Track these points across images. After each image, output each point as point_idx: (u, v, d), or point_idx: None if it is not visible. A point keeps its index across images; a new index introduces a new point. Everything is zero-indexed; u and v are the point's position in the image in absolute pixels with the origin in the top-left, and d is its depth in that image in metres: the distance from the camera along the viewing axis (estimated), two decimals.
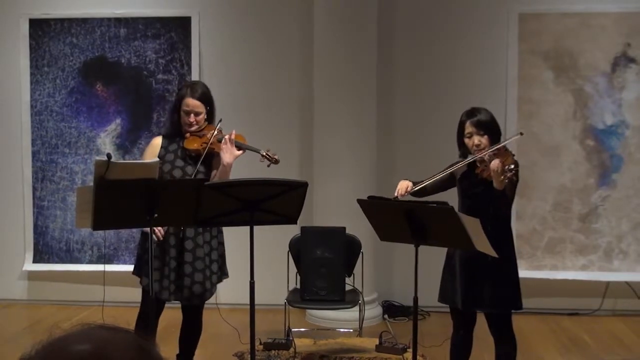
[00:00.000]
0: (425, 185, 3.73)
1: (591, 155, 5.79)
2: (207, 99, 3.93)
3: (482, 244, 3.27)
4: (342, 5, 5.47)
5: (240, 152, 3.85)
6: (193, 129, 3.88)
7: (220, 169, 3.83)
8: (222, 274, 4.03)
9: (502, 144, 3.59)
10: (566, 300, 5.84)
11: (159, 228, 3.78)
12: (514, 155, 3.69)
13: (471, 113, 3.69)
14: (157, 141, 3.97)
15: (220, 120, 3.92)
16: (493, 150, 3.55)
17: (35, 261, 6.13)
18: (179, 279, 3.83)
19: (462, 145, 3.72)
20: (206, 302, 4.01)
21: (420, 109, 5.92)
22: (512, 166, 3.34)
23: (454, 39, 5.87)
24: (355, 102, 5.50)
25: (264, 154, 3.87)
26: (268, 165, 3.90)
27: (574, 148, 5.80)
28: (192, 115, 3.86)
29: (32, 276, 6.18)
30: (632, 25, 5.72)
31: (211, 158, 3.88)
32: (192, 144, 3.88)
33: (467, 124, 3.65)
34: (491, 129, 3.65)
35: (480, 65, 5.87)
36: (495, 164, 3.42)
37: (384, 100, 5.82)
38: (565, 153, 5.80)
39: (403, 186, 3.71)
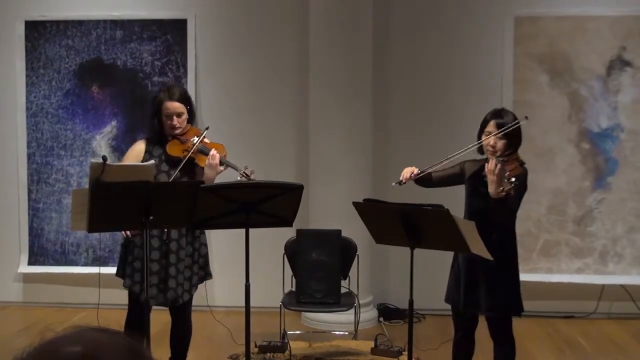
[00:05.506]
0: (429, 173, 3.73)
1: (586, 158, 5.80)
2: (185, 99, 3.92)
3: (477, 247, 3.27)
4: (337, 8, 5.47)
5: (223, 168, 3.83)
6: (177, 131, 3.86)
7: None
8: (206, 274, 4.00)
9: (506, 129, 3.55)
10: (561, 303, 5.84)
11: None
12: (524, 163, 3.67)
13: (497, 114, 3.66)
14: (141, 146, 3.93)
15: (207, 128, 3.91)
16: (503, 146, 3.55)
17: (30, 263, 6.11)
18: (161, 282, 3.80)
19: None
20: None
21: (416, 112, 5.92)
22: (513, 179, 3.32)
23: (450, 42, 5.88)
24: (351, 105, 5.50)
25: (242, 172, 3.78)
26: None
27: (569, 151, 5.80)
28: (174, 117, 3.84)
29: (27, 278, 6.17)
30: (627, 29, 5.73)
31: (192, 166, 3.85)
32: (174, 150, 3.85)
33: (491, 123, 3.62)
34: (512, 135, 3.61)
35: (475, 69, 5.88)
36: (491, 164, 3.39)
37: (379, 103, 5.82)
38: (560, 156, 5.81)
39: (408, 171, 3.68)
